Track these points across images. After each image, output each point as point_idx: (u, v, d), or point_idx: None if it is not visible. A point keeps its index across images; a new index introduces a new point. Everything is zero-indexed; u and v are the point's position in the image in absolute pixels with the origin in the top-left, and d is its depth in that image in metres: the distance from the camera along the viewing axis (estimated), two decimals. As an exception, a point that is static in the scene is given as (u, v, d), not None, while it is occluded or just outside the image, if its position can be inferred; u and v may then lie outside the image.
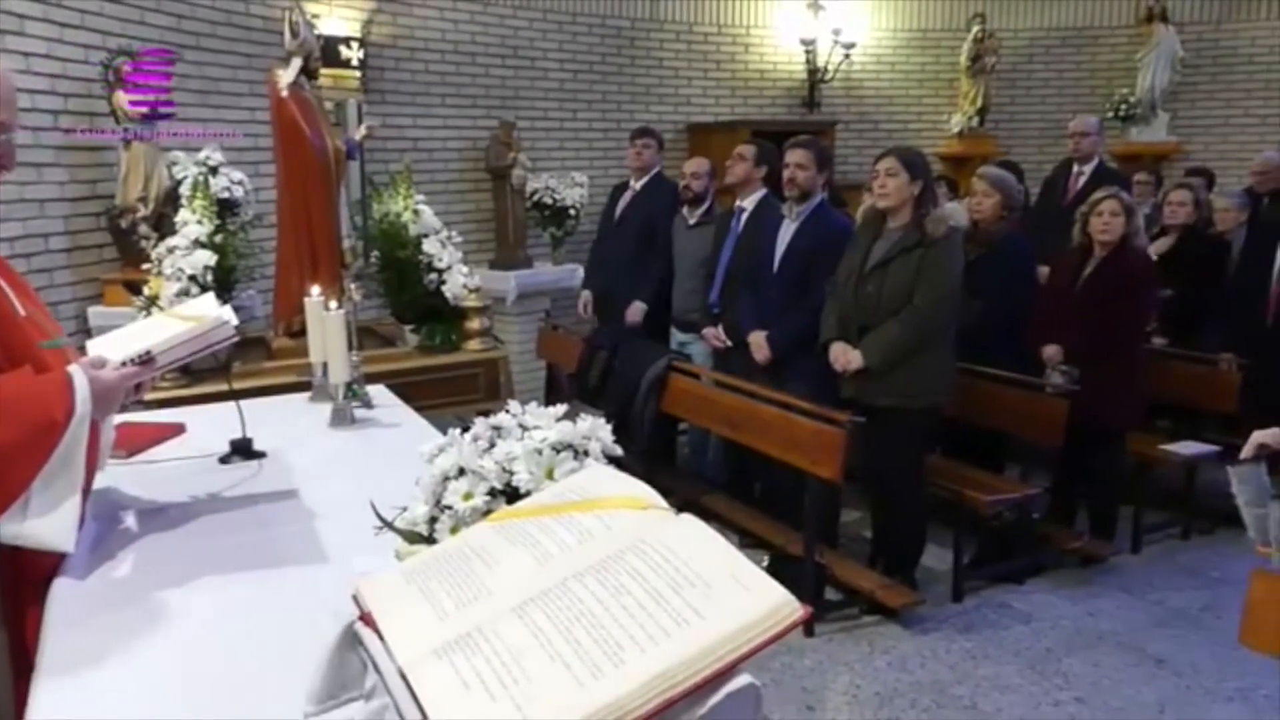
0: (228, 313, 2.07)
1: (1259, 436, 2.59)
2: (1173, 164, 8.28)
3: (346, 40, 6.19)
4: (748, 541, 4.66)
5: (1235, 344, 4.88)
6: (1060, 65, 8.90)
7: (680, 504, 4.66)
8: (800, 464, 4.00)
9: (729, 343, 4.85)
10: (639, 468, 5.39)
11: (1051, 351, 4.53)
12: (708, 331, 5.00)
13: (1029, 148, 8.57)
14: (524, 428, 1.46)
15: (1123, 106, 8.48)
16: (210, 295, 2.48)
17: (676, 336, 5.46)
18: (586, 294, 5.87)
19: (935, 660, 3.87)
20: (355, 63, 6.25)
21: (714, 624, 0.91)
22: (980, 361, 4.45)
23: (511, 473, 1.37)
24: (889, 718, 3.49)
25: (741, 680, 0.91)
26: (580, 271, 6.66)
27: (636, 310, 5.58)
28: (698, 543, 1.03)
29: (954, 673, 3.78)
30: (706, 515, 4.95)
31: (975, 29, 8.50)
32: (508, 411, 1.50)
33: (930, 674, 3.77)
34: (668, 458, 5.66)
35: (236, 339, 2.14)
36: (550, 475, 1.35)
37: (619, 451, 1.45)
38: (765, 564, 4.14)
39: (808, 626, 4.00)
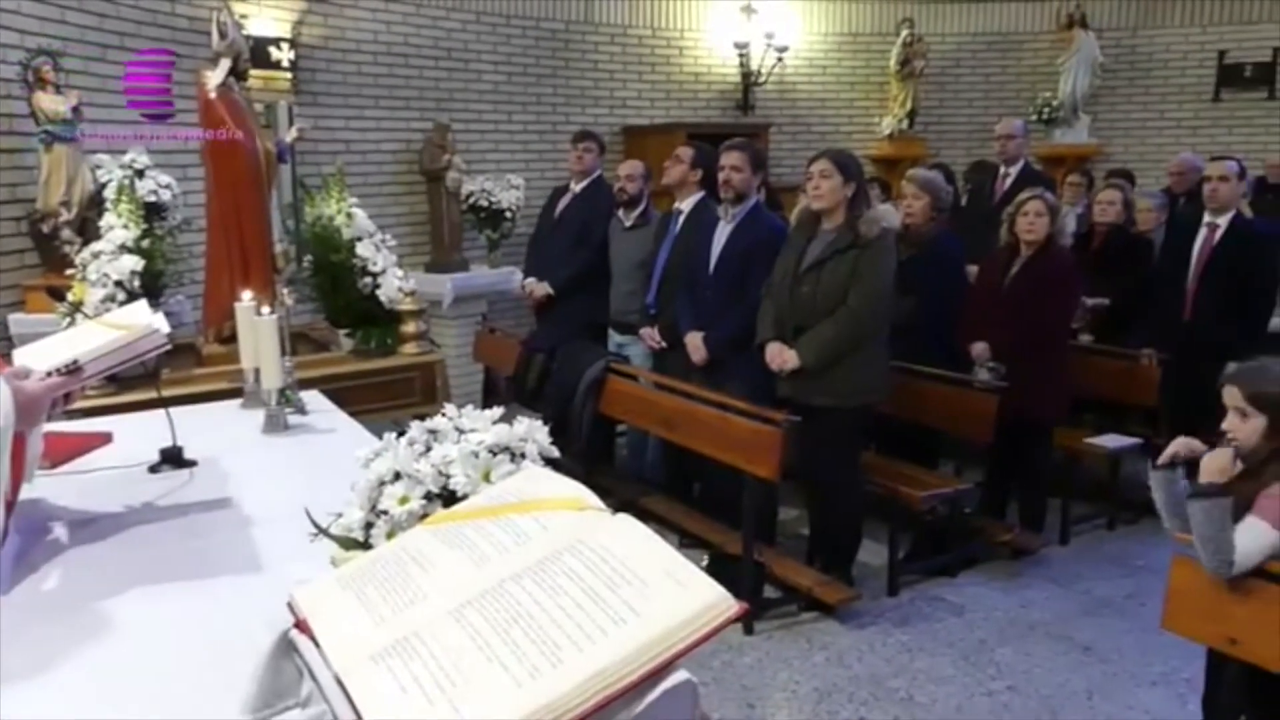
0: (159, 320, 2.03)
1: (1175, 446, 2.68)
2: (1094, 165, 8.51)
3: (276, 41, 6.10)
4: (687, 541, 4.69)
5: (1155, 339, 5.04)
6: (986, 70, 9.11)
7: (619, 505, 4.67)
8: (738, 463, 4.04)
9: (665, 344, 4.88)
10: (578, 470, 5.40)
11: (979, 349, 4.64)
12: (644, 332, 5.02)
13: (957, 150, 8.75)
14: (460, 431, 1.45)
15: (1046, 110, 8.70)
16: (142, 302, 2.42)
17: (614, 338, 5.47)
18: (531, 279, 5.85)
19: (872, 654, 3.93)
20: (286, 64, 6.15)
21: (650, 622, 0.92)
22: (913, 359, 4.55)
23: (448, 476, 1.37)
24: (828, 712, 3.54)
25: (678, 677, 0.92)
26: (518, 274, 6.65)
27: (540, 287, 5.64)
28: (634, 542, 1.04)
29: (890, 666, 3.84)
30: (645, 516, 4.98)
31: (904, 34, 8.66)
32: (444, 415, 1.50)
33: (867, 668, 3.83)
34: (606, 459, 5.67)
35: (168, 347, 2.10)
36: (487, 478, 1.35)
37: (556, 453, 1.46)
38: (704, 563, 4.17)
39: (747, 624, 4.04)
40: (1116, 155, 8.78)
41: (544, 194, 6.40)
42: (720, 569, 4.10)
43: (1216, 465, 2.60)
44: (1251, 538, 2.49)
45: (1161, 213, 5.83)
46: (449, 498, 1.37)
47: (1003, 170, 6.14)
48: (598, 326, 5.55)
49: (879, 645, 4.00)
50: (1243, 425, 2.61)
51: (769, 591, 4.28)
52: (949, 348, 4.69)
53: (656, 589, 0.96)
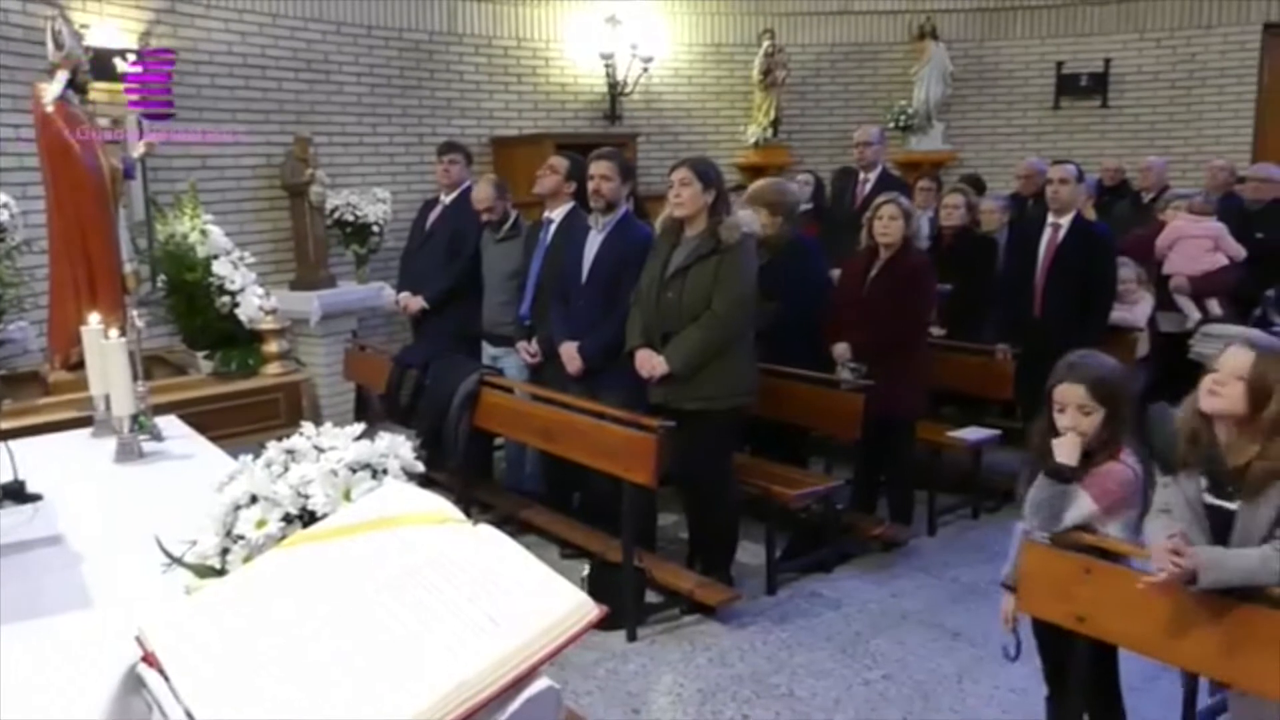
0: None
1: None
2: (949, 171, 8.89)
3: (122, 53, 5.82)
4: (568, 552, 4.68)
5: (1008, 335, 5.28)
6: (845, 79, 9.40)
7: (499, 519, 4.62)
8: (615, 471, 4.06)
9: (541, 356, 4.87)
10: (455, 485, 5.31)
11: (840, 349, 4.79)
12: (520, 345, 5.00)
13: (820, 156, 8.99)
14: (319, 449, 1.43)
15: (902, 117, 9.05)
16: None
17: (488, 351, 5.43)
18: (405, 293, 5.77)
19: (753, 652, 3.99)
20: (133, 76, 5.89)
21: (511, 631, 0.92)
22: (780, 361, 4.65)
23: (307, 496, 1.34)
24: (711, 712, 3.58)
25: (541, 684, 0.92)
26: (387, 289, 6.55)
27: (414, 301, 5.60)
28: (494, 552, 1.03)
29: (771, 663, 3.91)
30: (526, 528, 4.97)
31: (765, 44, 8.87)
32: (302, 434, 1.47)
33: (749, 666, 3.88)
34: (485, 473, 5.62)
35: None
36: (347, 496, 1.33)
37: (420, 468, 1.44)
38: (586, 572, 4.17)
39: (630, 631, 4.05)
40: (969, 160, 9.18)
41: (413, 207, 6.32)
42: (602, 577, 4.11)
43: (1068, 449, 2.71)
44: (1073, 508, 2.65)
45: (1005, 214, 6.13)
46: (309, 518, 1.34)
47: (862, 176, 6.36)
48: (471, 339, 5.49)
49: (760, 643, 4.06)
50: (1085, 420, 2.72)
51: (651, 597, 4.29)
52: (815, 349, 4.81)
53: (517, 598, 0.95)
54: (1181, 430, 2.52)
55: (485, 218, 5.39)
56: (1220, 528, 2.46)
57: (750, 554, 4.62)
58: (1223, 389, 2.41)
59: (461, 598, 0.97)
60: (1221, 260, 6.10)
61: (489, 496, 5.30)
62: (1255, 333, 2.90)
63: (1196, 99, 8.69)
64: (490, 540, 1.06)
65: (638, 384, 4.28)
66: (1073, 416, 2.71)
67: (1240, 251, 6.14)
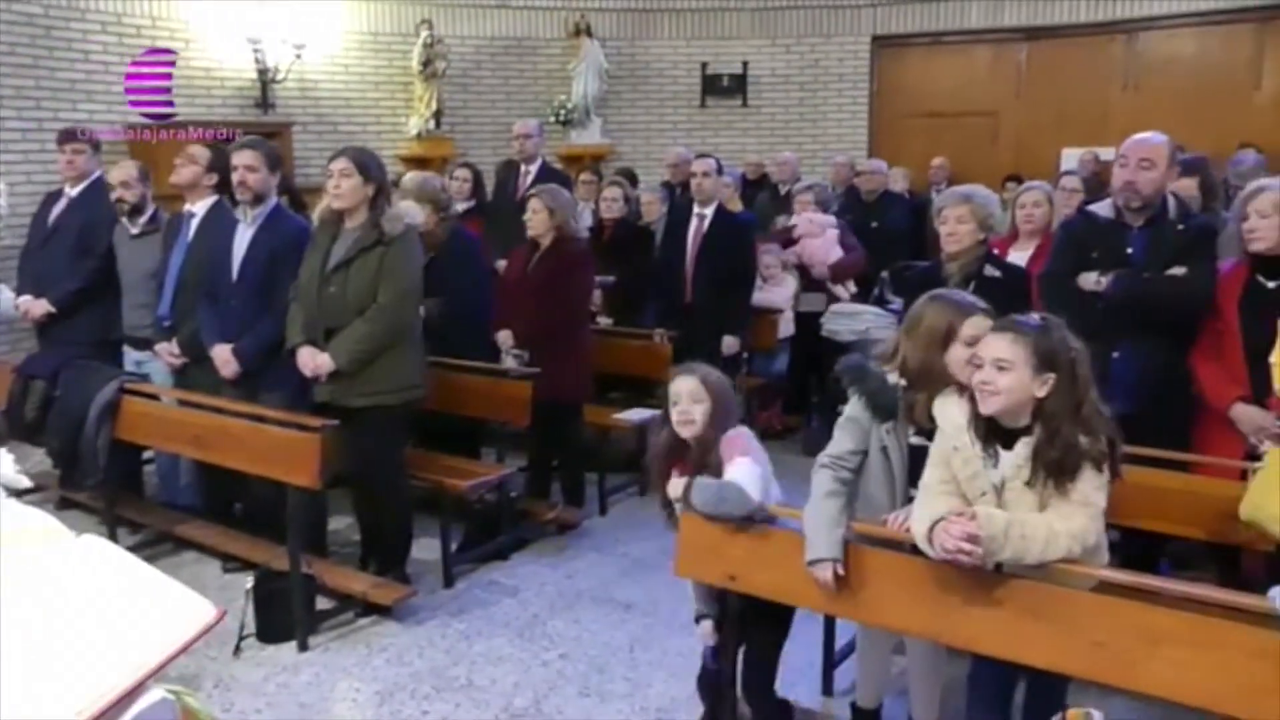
0: None
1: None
2: (608, 164, 9.27)
3: None
4: (232, 566, 4.44)
5: (664, 320, 5.61)
6: (505, 72, 9.51)
7: (153, 537, 4.28)
8: (277, 475, 3.90)
9: (186, 359, 4.56)
10: (99, 504, 4.86)
11: (503, 336, 4.89)
12: (160, 347, 4.64)
13: (484, 149, 9.04)
14: (-105, 472, 1.27)
15: (562, 111, 9.30)
16: None
17: (131, 356, 4.99)
18: (26, 297, 5.17)
19: (432, 648, 3.97)
20: None
21: (118, 645, 0.88)
22: (447, 354, 4.65)
23: (-123, 525, 1.18)
24: (390, 713, 3.53)
25: (154, 695, 0.88)
26: (6, 292, 5.83)
27: (38, 305, 5.09)
28: (100, 565, 0.97)
29: (450, 656, 3.91)
30: (184, 545, 4.64)
31: (424, 35, 8.78)
32: None
33: (428, 662, 3.86)
34: (133, 489, 5.17)
35: None
36: (-71, 520, 1.18)
37: (25, 482, 1.33)
38: (251, 584, 3.96)
39: (302, 641, 3.90)
40: (626, 154, 9.61)
41: (34, 200, 5.70)
42: (268, 588, 3.93)
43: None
44: (745, 471, 2.83)
45: (664, 205, 6.50)
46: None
47: (523, 168, 6.51)
48: (110, 344, 5.04)
49: (438, 638, 4.05)
50: (697, 410, 2.96)
51: (322, 603, 4.15)
52: (482, 340, 4.87)
53: (124, 609, 0.91)
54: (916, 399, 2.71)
55: (119, 195, 4.92)
56: (916, 463, 2.71)
57: (426, 549, 4.59)
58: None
59: (63, 614, 0.91)
60: (840, 250, 6.81)
61: (139, 515, 4.89)
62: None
63: (821, 100, 9.64)
64: (97, 552, 1.00)
65: (300, 383, 4.13)
66: (684, 414, 2.97)
67: (851, 239, 6.88)
